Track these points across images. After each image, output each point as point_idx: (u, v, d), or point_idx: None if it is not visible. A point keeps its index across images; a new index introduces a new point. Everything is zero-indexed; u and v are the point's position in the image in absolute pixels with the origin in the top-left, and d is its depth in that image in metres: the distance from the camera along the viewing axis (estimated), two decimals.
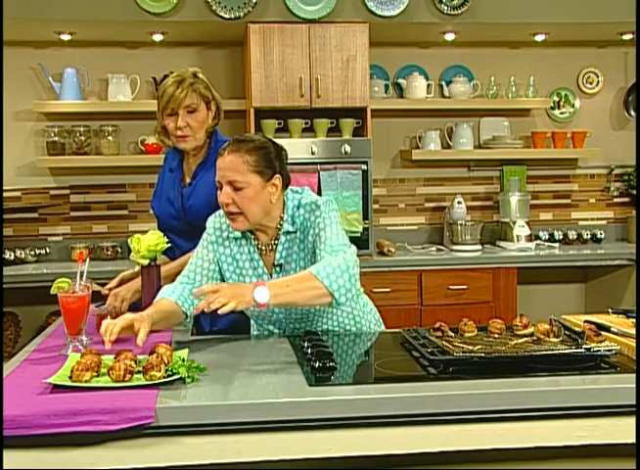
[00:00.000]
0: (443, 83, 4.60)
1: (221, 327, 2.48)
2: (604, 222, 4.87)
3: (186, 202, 2.55)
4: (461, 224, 4.40)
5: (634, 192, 4.74)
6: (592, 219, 4.86)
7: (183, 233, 2.56)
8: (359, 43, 4.06)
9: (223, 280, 2.24)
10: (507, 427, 1.66)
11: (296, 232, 2.17)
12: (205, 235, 2.26)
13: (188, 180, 2.59)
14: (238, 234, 2.20)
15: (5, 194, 4.04)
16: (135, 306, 2.50)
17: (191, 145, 2.54)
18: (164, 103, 2.48)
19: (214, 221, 2.25)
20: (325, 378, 1.76)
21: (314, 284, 1.95)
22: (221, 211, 2.20)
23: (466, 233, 4.38)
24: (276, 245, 2.19)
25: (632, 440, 1.66)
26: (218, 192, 2.11)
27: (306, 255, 2.18)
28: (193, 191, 2.55)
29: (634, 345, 1.94)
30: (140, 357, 1.81)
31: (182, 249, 2.53)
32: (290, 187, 2.22)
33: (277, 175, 2.10)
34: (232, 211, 2.08)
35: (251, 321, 2.35)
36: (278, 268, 2.20)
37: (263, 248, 2.21)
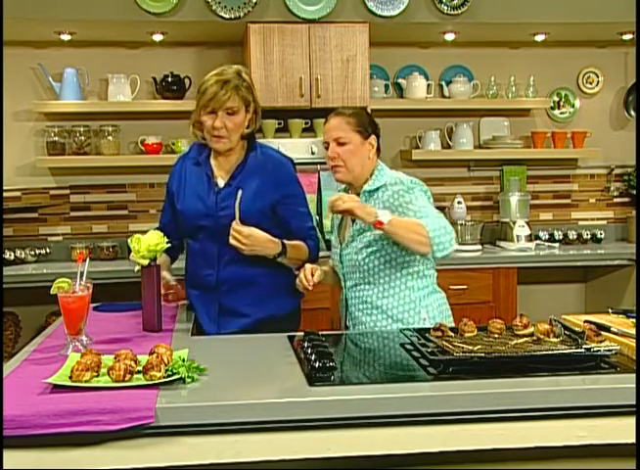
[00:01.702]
0: (443, 83, 4.60)
1: (230, 330, 2.48)
2: (604, 222, 4.87)
3: (221, 202, 2.50)
4: (461, 224, 4.40)
5: (634, 192, 4.74)
6: (592, 219, 4.86)
7: (213, 233, 2.49)
8: (359, 43, 4.06)
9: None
10: (507, 427, 1.66)
11: (373, 193, 2.46)
12: None
13: (222, 181, 2.54)
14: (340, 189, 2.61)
15: (5, 194, 4.04)
16: (135, 306, 2.51)
17: (224, 147, 2.50)
18: (206, 101, 2.43)
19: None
20: (325, 378, 1.76)
21: (422, 232, 2.25)
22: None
23: (466, 233, 4.38)
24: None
25: (632, 440, 1.66)
26: (326, 152, 2.48)
27: None
28: (231, 194, 2.47)
29: (634, 345, 1.94)
30: (140, 357, 1.80)
31: (206, 255, 2.50)
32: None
33: (373, 136, 2.49)
34: (337, 164, 2.47)
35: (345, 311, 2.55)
36: (351, 222, 2.52)
37: None
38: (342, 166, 2.46)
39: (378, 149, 2.53)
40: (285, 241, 2.50)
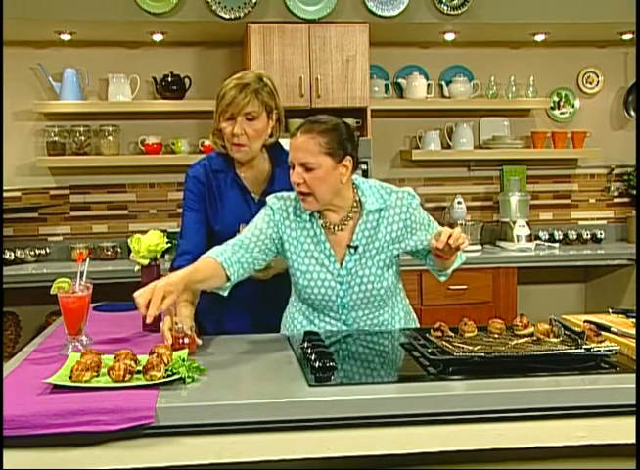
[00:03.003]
0: (443, 83, 4.60)
1: (227, 329, 2.46)
2: (604, 222, 4.87)
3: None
4: (461, 224, 4.40)
5: (634, 192, 4.74)
6: (592, 219, 4.86)
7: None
8: (359, 43, 4.06)
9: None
10: (507, 427, 1.66)
11: (384, 212, 2.18)
12: (267, 212, 2.23)
13: (256, 194, 2.43)
14: (305, 217, 2.20)
15: (5, 194, 4.04)
16: (134, 306, 2.50)
17: (245, 156, 2.36)
18: (224, 106, 2.29)
19: (279, 203, 2.23)
20: (325, 378, 1.76)
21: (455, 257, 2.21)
22: (285, 194, 2.23)
23: (466, 233, 4.37)
24: (346, 225, 2.20)
25: (632, 440, 1.66)
26: (290, 171, 2.12)
27: (392, 238, 2.20)
28: None
29: (634, 345, 1.94)
30: (140, 357, 1.81)
31: None
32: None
33: (348, 157, 2.11)
34: (303, 191, 2.10)
35: (294, 319, 2.31)
36: (353, 250, 2.18)
37: (331, 227, 2.20)
38: (310, 195, 2.10)
39: (356, 164, 2.16)
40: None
